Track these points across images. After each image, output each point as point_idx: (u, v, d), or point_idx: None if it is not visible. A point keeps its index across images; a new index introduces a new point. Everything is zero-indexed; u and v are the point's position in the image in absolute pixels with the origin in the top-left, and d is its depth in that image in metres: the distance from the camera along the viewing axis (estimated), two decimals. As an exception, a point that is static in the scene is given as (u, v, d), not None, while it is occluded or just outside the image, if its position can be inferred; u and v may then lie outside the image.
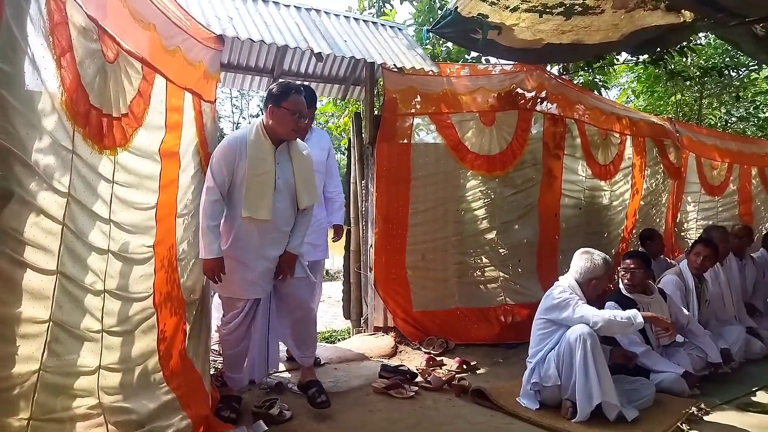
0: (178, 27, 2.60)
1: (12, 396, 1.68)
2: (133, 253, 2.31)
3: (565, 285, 3.36)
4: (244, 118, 21.45)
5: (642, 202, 6.54)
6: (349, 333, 5.15)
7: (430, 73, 4.64)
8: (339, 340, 5.10)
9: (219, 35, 3.33)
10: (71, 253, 1.90)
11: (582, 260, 3.40)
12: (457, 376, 3.88)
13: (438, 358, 4.26)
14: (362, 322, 4.96)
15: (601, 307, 3.54)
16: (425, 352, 4.40)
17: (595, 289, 3.37)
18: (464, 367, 4.12)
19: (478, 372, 4.13)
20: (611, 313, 3.18)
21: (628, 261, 3.81)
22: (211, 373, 3.32)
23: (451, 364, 4.19)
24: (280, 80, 3.13)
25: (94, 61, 1.92)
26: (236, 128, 20.91)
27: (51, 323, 1.81)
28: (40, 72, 1.71)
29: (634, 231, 6.35)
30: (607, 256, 3.46)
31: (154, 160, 2.41)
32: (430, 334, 4.65)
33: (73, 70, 1.80)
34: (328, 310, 7.04)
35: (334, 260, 10.84)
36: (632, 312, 3.19)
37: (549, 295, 3.40)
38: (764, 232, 7.09)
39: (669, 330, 3.22)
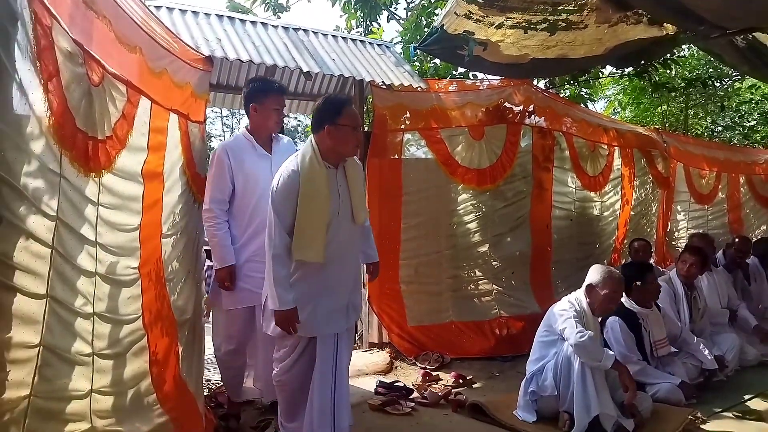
0: (165, 49, 2.61)
1: (2, 422, 1.66)
2: (120, 275, 2.30)
3: (572, 297, 3.38)
4: (235, 137, 21.50)
5: (632, 212, 6.59)
6: (343, 350, 5.11)
7: (419, 89, 4.68)
8: (334, 358, 5.07)
9: (207, 56, 3.35)
10: (60, 276, 1.88)
11: (593, 271, 3.40)
12: (453, 390, 3.87)
13: (434, 373, 4.24)
14: (357, 338, 4.93)
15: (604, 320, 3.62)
16: (421, 367, 4.38)
17: (598, 300, 3.32)
18: (460, 381, 4.11)
19: (474, 386, 4.11)
20: (591, 341, 3.13)
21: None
22: (205, 394, 3.29)
23: (447, 378, 4.17)
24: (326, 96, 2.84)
25: (80, 84, 1.93)
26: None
27: (41, 348, 1.78)
28: (28, 96, 1.71)
29: (625, 241, 6.38)
30: (618, 272, 3.43)
31: (137, 181, 2.41)
32: (426, 349, 4.63)
33: (59, 94, 1.80)
34: (323, 328, 7.00)
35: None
36: (608, 354, 3.16)
37: (555, 304, 3.42)
38: (754, 239, 7.12)
39: (629, 390, 3.18)
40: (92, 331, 2.07)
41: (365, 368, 4.32)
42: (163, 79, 2.60)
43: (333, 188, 2.71)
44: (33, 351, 1.76)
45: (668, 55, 6.95)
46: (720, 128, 11.20)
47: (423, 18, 6.96)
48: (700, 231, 7.01)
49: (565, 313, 3.27)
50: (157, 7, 3.84)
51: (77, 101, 1.92)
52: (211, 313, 3.48)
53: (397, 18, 7.82)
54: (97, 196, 2.10)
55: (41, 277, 1.79)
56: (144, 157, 2.47)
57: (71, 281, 1.95)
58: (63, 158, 1.85)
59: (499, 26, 3.83)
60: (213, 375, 4.14)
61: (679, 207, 7.46)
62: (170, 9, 3.96)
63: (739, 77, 9.77)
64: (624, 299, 3.82)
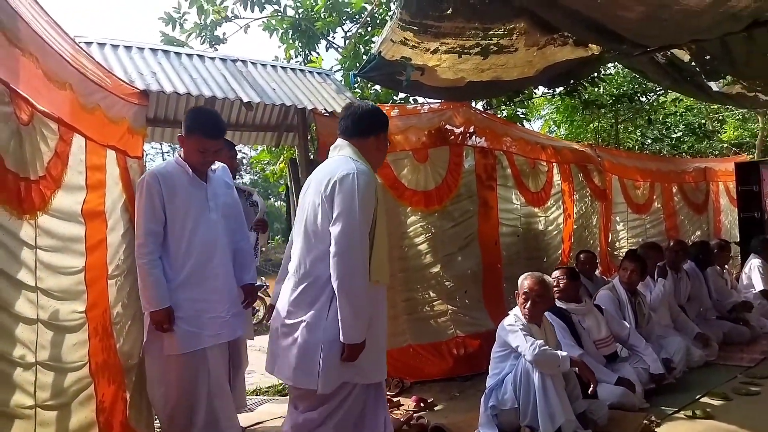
0: (97, 85, 2.56)
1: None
2: (64, 320, 2.19)
3: (515, 311, 3.45)
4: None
5: (575, 226, 6.79)
6: (301, 383, 4.99)
7: (361, 115, 4.71)
8: (291, 392, 4.95)
9: (143, 91, 3.29)
10: (-5, 326, 1.79)
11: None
12: (415, 415, 3.83)
13: (395, 399, 4.19)
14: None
15: None
16: (380, 394, 4.33)
17: (527, 306, 3.37)
18: (421, 405, 4.07)
19: (435, 408, 4.09)
20: (544, 351, 3.18)
21: (555, 273, 4.09)
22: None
23: (408, 403, 4.13)
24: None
25: (8, 124, 1.86)
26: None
27: (-25, 404, 1.68)
28: (-50, 139, 1.63)
29: (571, 254, 6.57)
30: (536, 273, 3.51)
31: (77, 221, 2.32)
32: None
33: (-15, 135, 1.73)
34: (278, 362, 6.83)
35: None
36: (564, 355, 3.23)
37: (503, 320, 3.46)
38: (689, 244, 7.48)
39: (591, 382, 3.28)
40: (35, 381, 1.96)
41: (324, 399, 4.23)
42: (96, 115, 2.53)
43: None
44: (-34, 408, 1.65)
45: (595, 73, 7.33)
46: (649, 141, 11.78)
47: (361, 46, 7.08)
48: (641, 240, 7.33)
49: (513, 328, 3.31)
50: (88, 43, 3.75)
51: (5, 141, 1.84)
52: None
53: (336, 47, 7.93)
54: (35, 239, 2.01)
55: (-27, 329, 1.69)
56: (83, 196, 2.39)
57: (9, 330, 1.85)
58: (-8, 202, 1.77)
59: (435, 51, 3.93)
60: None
61: (618, 218, 7.75)
62: (101, 45, 3.88)
63: (662, 92, 10.35)
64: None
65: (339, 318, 2.22)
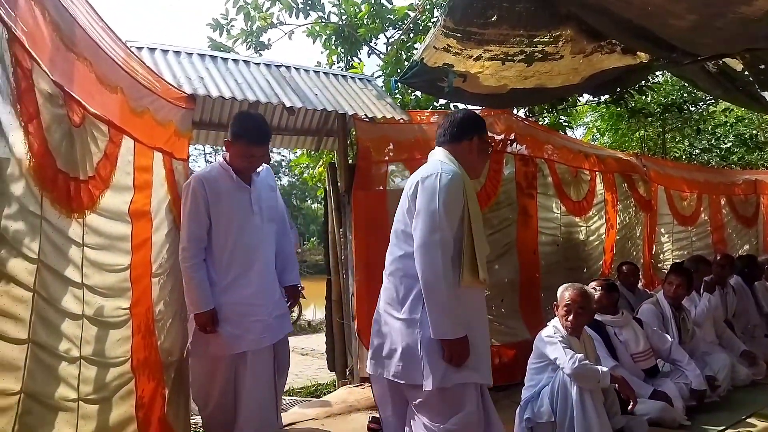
0: (147, 88, 2.64)
1: (-19, 476, 1.61)
2: (108, 316, 2.26)
3: (554, 322, 3.39)
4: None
5: (617, 236, 6.63)
6: (334, 385, 5.03)
7: (401, 121, 4.73)
8: (324, 393, 4.99)
9: (190, 95, 3.37)
10: (43, 320, 1.85)
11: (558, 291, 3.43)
12: (447, 423, 3.79)
13: (426, 407, 4.16)
14: (347, 373, 4.85)
15: None
16: (413, 401, 4.30)
17: (568, 318, 3.29)
18: (454, 413, 4.03)
19: (468, 418, 4.04)
20: (584, 365, 3.10)
21: (591, 284, 3.98)
22: (193, 437, 3.20)
23: (440, 411, 4.09)
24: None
25: (61, 126, 1.93)
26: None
27: (22, 395, 1.74)
28: (8, 138, 1.71)
29: (612, 265, 6.41)
30: (577, 284, 3.44)
31: (124, 220, 2.40)
32: (417, 382, 4.55)
33: (39, 136, 1.80)
34: (312, 362, 6.90)
35: (316, 311, 10.76)
36: (604, 371, 3.15)
37: (541, 331, 3.40)
38: (735, 257, 7.20)
39: (630, 399, 3.18)
40: (78, 375, 2.02)
41: (357, 404, 4.24)
42: (145, 118, 2.61)
43: None
44: (13, 398, 1.71)
45: (643, 81, 7.14)
46: (697, 151, 11.41)
47: (403, 52, 7.08)
48: (686, 253, 7.09)
49: (551, 339, 3.25)
50: (139, 48, 3.86)
51: (58, 142, 1.91)
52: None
53: (378, 53, 7.95)
54: (82, 237, 2.08)
55: (23, 322, 1.75)
56: (130, 196, 2.46)
57: (55, 325, 1.91)
58: (44, 200, 1.84)
59: (478, 58, 3.90)
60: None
61: (662, 229, 7.53)
62: (152, 49, 3.99)
63: (712, 101, 10.02)
64: None
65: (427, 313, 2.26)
